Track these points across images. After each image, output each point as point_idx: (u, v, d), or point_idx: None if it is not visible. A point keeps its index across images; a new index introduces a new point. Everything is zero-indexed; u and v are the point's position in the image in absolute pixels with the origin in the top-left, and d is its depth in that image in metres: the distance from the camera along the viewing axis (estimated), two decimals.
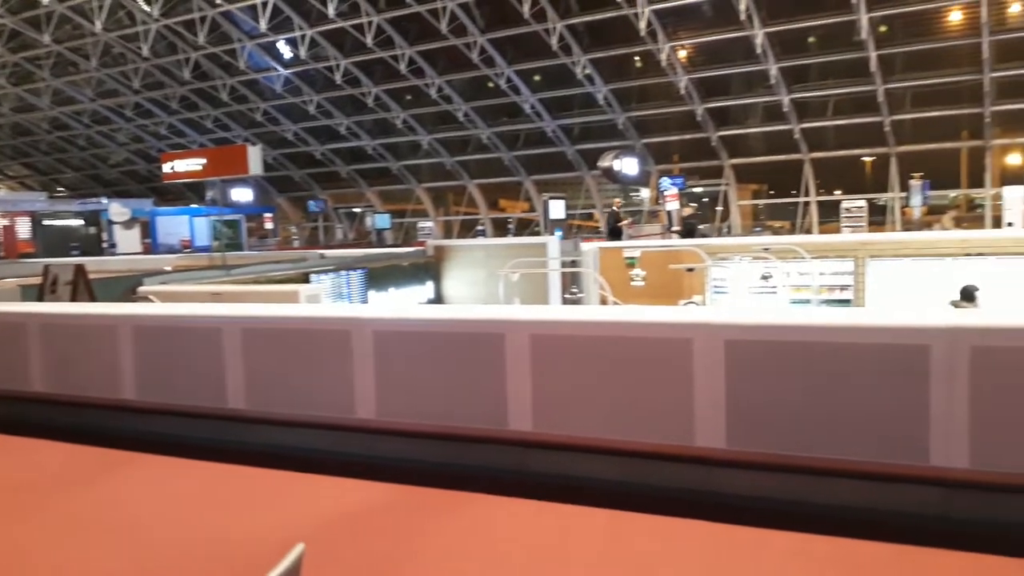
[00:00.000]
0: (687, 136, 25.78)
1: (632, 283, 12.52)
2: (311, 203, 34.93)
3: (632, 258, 12.49)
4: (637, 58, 24.67)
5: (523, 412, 4.71)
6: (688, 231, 18.84)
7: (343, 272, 13.59)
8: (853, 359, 4.11)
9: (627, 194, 28.52)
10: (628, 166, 21.63)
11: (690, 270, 13.33)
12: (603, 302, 12.07)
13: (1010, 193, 18.83)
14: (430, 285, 16.13)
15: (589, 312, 6.11)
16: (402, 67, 25.44)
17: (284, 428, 5.41)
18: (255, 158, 16.18)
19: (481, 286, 15.34)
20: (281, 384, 5.44)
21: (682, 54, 23.37)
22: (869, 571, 3.60)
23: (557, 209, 22.39)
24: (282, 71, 28.34)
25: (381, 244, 29.79)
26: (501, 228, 31.57)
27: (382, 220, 32.27)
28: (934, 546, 3.76)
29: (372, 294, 14.06)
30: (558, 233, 19.46)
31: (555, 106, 26.61)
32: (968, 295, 9.04)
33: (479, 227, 31.27)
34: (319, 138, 31.83)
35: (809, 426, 4.17)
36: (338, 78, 26.77)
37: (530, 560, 3.72)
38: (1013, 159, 23.16)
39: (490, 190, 31.79)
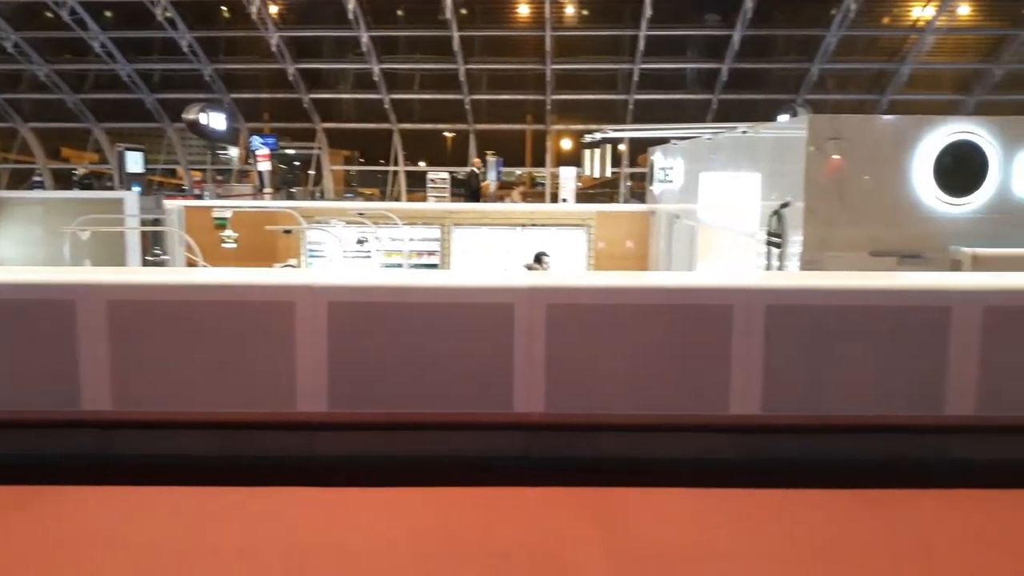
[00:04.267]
0: (279, 95, 25.05)
1: (223, 245, 11.84)
2: None
3: (223, 219, 11.79)
4: (225, 8, 23.25)
5: (100, 389, 4.16)
6: (472, 193, 18.48)
7: None
8: (450, 318, 4.33)
9: (215, 152, 26.89)
10: (215, 121, 20.37)
11: (287, 232, 13.03)
12: (190, 265, 11.26)
13: (564, 173, 21.58)
14: None
15: (174, 275, 5.60)
16: None
17: None
18: None
19: (40, 246, 13.29)
20: None
21: (273, 9, 22.57)
22: (456, 512, 3.84)
23: (135, 162, 20.27)
24: None
25: None
26: (65, 181, 27.64)
27: None
28: (516, 485, 4.15)
29: None
30: (136, 189, 17.63)
31: (131, 48, 23.91)
32: (538, 259, 10.23)
33: (36, 178, 26.98)
34: None
35: (411, 384, 4.31)
36: None
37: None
38: (566, 143, 26.50)
39: (50, 136, 27.57)
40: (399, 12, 23.39)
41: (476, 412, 4.43)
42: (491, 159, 23.37)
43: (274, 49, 22.78)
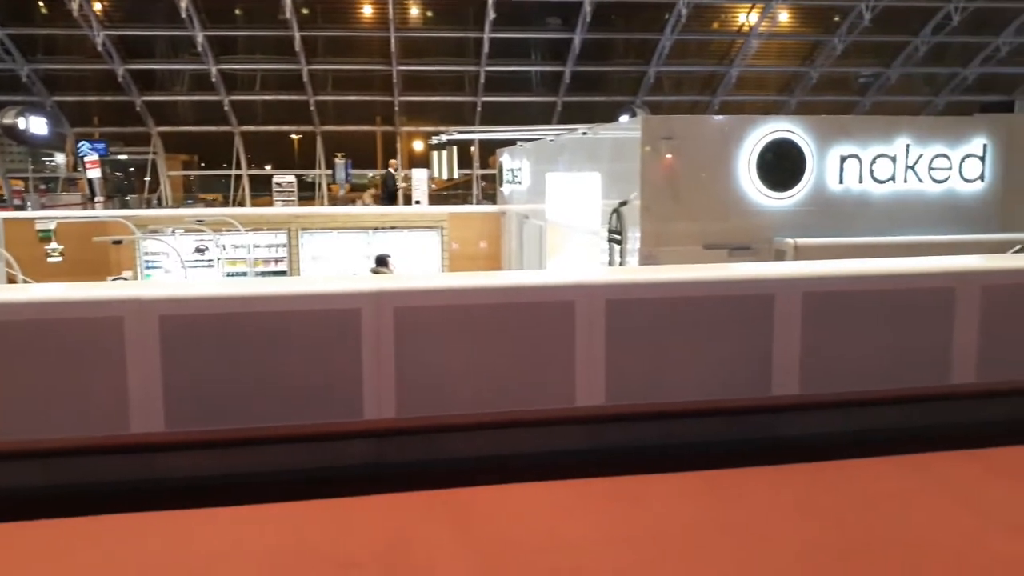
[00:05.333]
0: (108, 98, 23.54)
1: (49, 259, 11.00)
2: None
3: (47, 231, 10.95)
4: (42, 3, 21.61)
5: None
6: (389, 195, 17.43)
7: None
8: (294, 326, 4.22)
9: (38, 158, 24.93)
10: (36, 125, 18.90)
11: (117, 242, 12.26)
12: (11, 281, 10.39)
13: (417, 175, 21.50)
14: None
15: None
16: None
17: None
18: None
19: None
20: None
21: (98, 7, 21.18)
22: (307, 527, 3.76)
23: None
24: None
25: None
26: None
27: None
28: (369, 493, 4.11)
29: None
30: None
31: None
32: (383, 262, 10.12)
33: None
34: None
35: (255, 397, 4.17)
36: None
37: None
38: (419, 145, 26.43)
39: None
40: (237, 11, 22.54)
41: (325, 422, 4.34)
42: (339, 161, 22.96)
43: (100, 49, 21.39)
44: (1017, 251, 7.02)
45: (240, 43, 23.15)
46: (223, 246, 13.33)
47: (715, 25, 23.07)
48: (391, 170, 21.70)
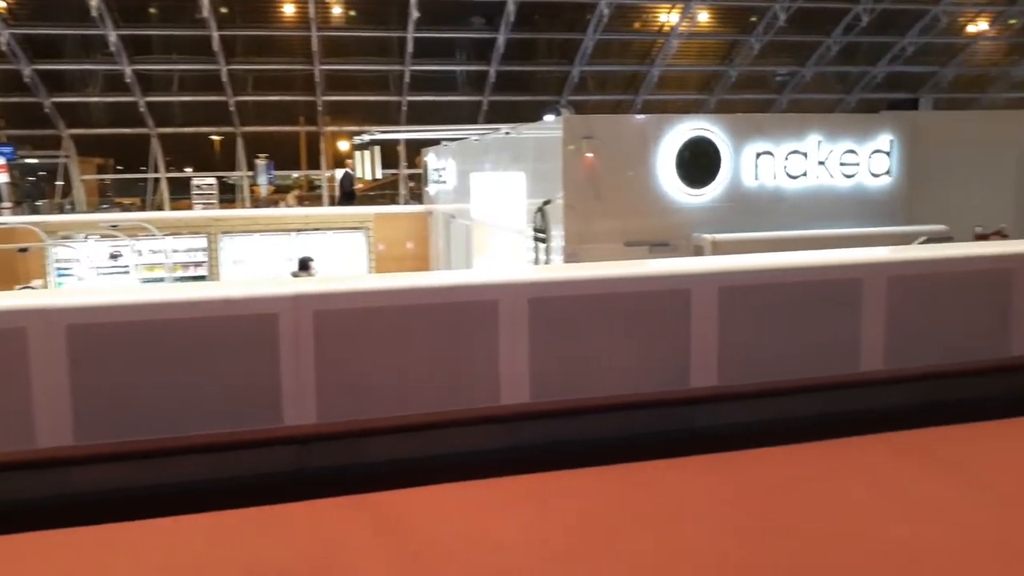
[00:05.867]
0: (13, 99, 22.54)
1: None
2: None
3: None
4: None
5: None
6: (347, 195, 16.79)
7: None
8: (209, 333, 4.13)
9: None
10: None
11: (23, 251, 11.76)
12: None
13: (340, 175, 21.24)
14: None
15: None
16: None
17: None
18: None
19: None
20: None
21: (2, 4, 20.28)
22: (226, 538, 3.68)
23: None
24: None
25: None
26: None
27: None
28: (290, 501, 4.04)
29: None
30: None
31: None
32: (304, 265, 9.95)
33: None
34: None
35: (168, 407, 4.07)
36: None
37: None
38: (344, 145, 26.11)
39: None
40: (151, 10, 21.87)
41: (244, 430, 4.26)
42: (260, 163, 22.52)
43: (4, 48, 20.47)
44: (922, 242, 7.33)
45: (155, 43, 22.46)
46: (139, 252, 12.92)
47: (636, 25, 23.43)
48: (349, 170, 21.21)
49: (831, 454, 4.96)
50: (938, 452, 4.98)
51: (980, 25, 24.00)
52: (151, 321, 4.06)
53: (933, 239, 7.41)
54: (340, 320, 4.47)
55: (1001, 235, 7.91)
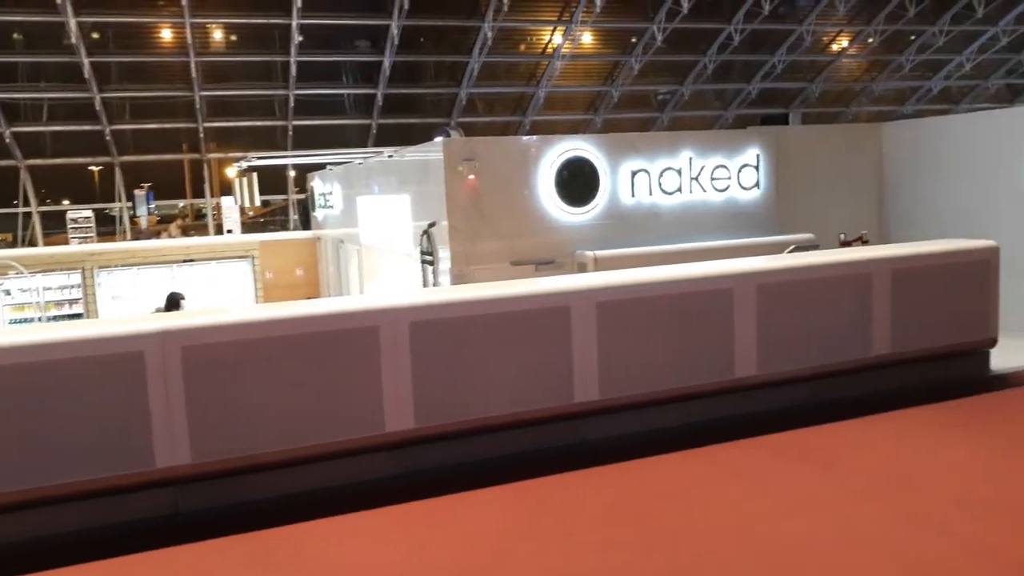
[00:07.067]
0: None
1: None
2: None
3: None
4: None
5: None
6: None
7: None
8: (72, 375, 3.94)
9: None
10: None
11: None
12: None
13: (227, 203, 20.65)
14: None
15: None
16: None
17: None
18: None
19: None
20: None
21: None
22: None
23: None
24: None
25: None
26: None
27: None
28: (165, 546, 3.89)
29: None
30: None
31: None
32: (174, 302, 9.45)
33: None
34: None
35: (30, 454, 3.85)
36: None
37: None
38: (232, 171, 25.41)
39: None
40: (15, 35, 20.78)
41: (112, 475, 4.07)
42: (140, 193, 21.66)
43: None
44: (792, 251, 7.70)
45: (21, 70, 21.33)
46: (7, 291, 12.20)
47: (522, 47, 23.82)
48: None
49: (711, 459, 5.14)
50: (810, 451, 5.23)
51: (843, 43, 25.54)
52: (3, 366, 3.84)
53: (801, 247, 7.79)
54: (211, 354, 4.34)
55: (863, 241, 8.38)
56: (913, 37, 25.18)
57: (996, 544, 3.74)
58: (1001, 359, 6.81)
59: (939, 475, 4.72)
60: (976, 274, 6.54)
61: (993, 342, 6.63)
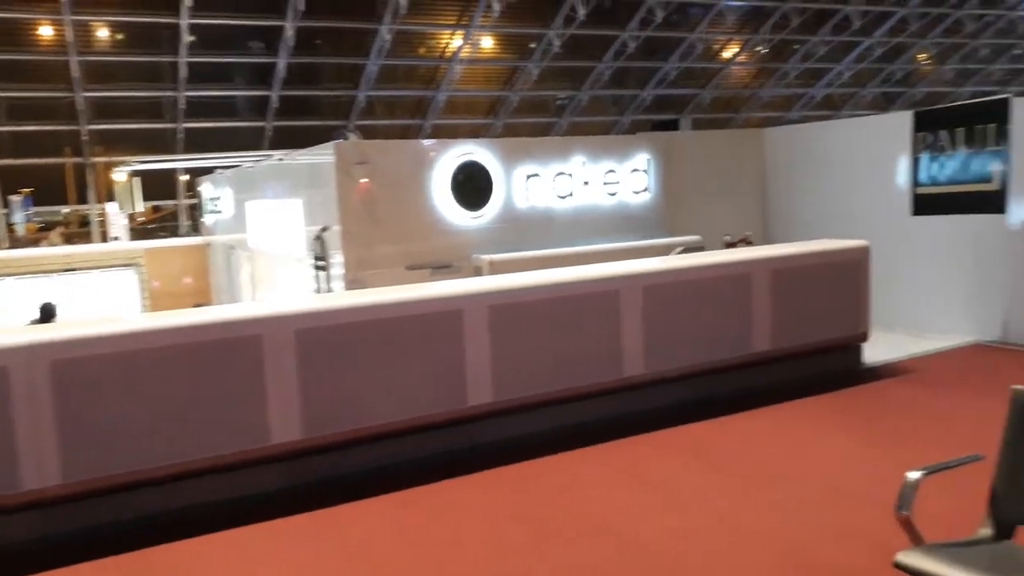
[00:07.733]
0: None
1: None
2: None
3: None
4: None
5: None
6: None
7: None
8: None
9: None
10: None
11: None
12: None
13: (111, 208, 19.71)
14: None
15: None
16: None
17: None
18: None
19: None
20: None
21: None
22: None
23: None
24: None
25: None
26: None
27: None
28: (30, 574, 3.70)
29: None
30: None
31: None
32: (48, 313, 8.99)
33: None
34: None
35: None
36: None
37: None
38: (120, 175, 24.29)
39: None
40: None
41: None
42: (16, 198, 20.49)
43: None
44: (680, 252, 7.93)
45: None
46: None
47: (421, 51, 23.67)
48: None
49: (601, 457, 5.24)
50: (694, 446, 5.40)
51: (732, 51, 26.46)
52: None
53: (689, 249, 8.03)
54: (85, 368, 4.14)
55: (747, 242, 8.70)
56: (797, 46, 26.33)
57: (862, 528, 3.95)
58: (872, 352, 7.23)
59: (815, 466, 4.96)
60: (849, 272, 6.91)
61: (865, 337, 7.01)
